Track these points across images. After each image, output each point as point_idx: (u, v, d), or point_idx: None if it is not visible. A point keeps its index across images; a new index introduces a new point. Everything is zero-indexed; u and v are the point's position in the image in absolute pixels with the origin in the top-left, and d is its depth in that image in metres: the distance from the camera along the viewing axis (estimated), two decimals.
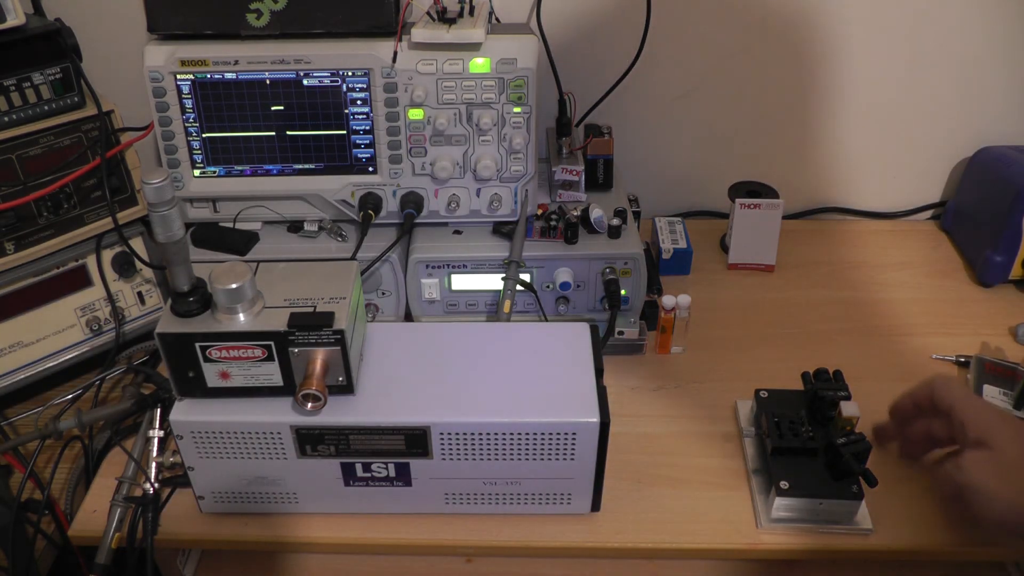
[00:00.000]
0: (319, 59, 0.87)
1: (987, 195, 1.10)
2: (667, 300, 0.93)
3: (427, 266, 0.95)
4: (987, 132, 1.17)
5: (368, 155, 0.93)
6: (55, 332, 0.93)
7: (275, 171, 0.94)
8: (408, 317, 0.98)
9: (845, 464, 0.73)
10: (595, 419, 0.70)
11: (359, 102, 0.90)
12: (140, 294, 0.99)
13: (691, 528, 0.77)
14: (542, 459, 0.73)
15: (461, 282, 0.96)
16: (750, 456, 0.83)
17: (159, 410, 0.83)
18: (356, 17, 0.86)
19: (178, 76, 0.88)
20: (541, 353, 0.77)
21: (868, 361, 0.95)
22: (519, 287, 0.92)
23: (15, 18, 0.83)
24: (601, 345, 0.79)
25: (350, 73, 0.88)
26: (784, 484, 0.75)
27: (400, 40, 0.87)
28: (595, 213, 0.95)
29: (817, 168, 1.23)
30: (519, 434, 0.71)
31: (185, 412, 0.71)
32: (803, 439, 0.78)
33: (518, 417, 0.71)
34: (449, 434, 0.71)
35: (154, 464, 0.79)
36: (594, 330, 0.79)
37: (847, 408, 0.76)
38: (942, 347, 0.97)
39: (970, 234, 1.15)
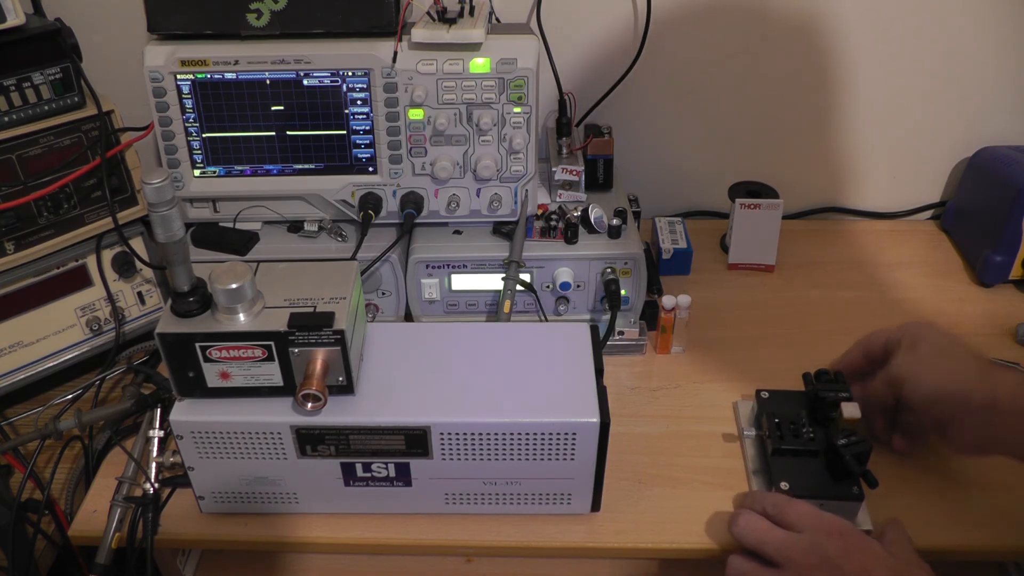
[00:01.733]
0: (319, 59, 0.87)
1: (987, 195, 1.10)
2: (667, 300, 0.93)
3: (427, 266, 0.95)
4: (987, 132, 1.17)
5: (368, 155, 0.93)
6: (55, 332, 0.93)
7: (275, 171, 0.94)
8: (408, 317, 0.98)
9: (846, 465, 0.73)
10: (595, 419, 0.70)
11: (359, 102, 0.90)
12: (140, 294, 0.99)
13: (691, 528, 0.77)
14: (542, 459, 0.73)
15: (461, 282, 0.96)
16: (750, 456, 0.82)
17: (159, 410, 0.83)
18: (356, 17, 0.86)
19: (178, 76, 0.88)
20: (541, 353, 0.77)
21: None
22: (519, 287, 0.92)
23: (15, 18, 0.83)
24: (601, 345, 0.79)
25: (350, 73, 0.88)
26: (784, 485, 0.75)
27: (400, 40, 0.86)
28: (595, 213, 0.95)
29: (817, 168, 1.23)
30: (519, 434, 0.71)
31: (185, 412, 0.71)
32: (804, 440, 0.78)
33: (518, 417, 0.71)
34: (449, 434, 0.71)
35: (154, 464, 0.79)
36: (594, 330, 0.79)
37: (848, 409, 0.76)
38: None
39: (970, 234, 1.15)
